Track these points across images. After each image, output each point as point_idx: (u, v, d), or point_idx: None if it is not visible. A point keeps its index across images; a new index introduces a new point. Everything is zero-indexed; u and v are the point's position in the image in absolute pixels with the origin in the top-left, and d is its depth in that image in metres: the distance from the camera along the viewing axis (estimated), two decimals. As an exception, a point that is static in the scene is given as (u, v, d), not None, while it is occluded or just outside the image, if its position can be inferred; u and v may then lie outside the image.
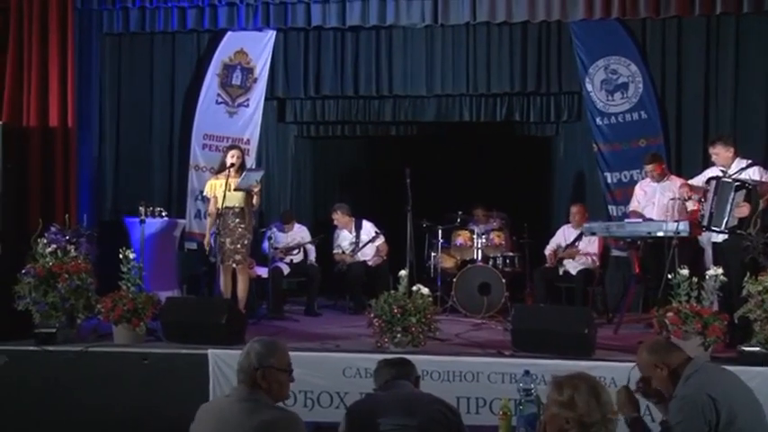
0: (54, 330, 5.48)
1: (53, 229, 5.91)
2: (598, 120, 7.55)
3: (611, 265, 7.41)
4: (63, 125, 6.78)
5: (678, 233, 5.63)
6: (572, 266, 7.25)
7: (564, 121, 8.97)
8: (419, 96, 8.64)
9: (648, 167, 6.48)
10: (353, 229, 8.01)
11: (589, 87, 7.55)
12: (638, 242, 6.26)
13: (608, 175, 7.55)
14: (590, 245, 7.25)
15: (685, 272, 5.00)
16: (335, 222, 8.02)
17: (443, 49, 7.96)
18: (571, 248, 7.28)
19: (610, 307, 7.02)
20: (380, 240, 7.93)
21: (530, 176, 9.77)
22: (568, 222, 7.54)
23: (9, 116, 6.64)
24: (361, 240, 7.94)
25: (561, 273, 7.31)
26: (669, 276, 5.10)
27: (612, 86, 7.46)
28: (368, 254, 7.92)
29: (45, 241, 5.76)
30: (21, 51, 6.76)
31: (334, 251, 8.08)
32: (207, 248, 6.58)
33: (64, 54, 6.78)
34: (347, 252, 7.97)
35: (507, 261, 7.75)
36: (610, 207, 7.52)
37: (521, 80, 7.88)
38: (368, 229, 7.98)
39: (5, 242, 6.02)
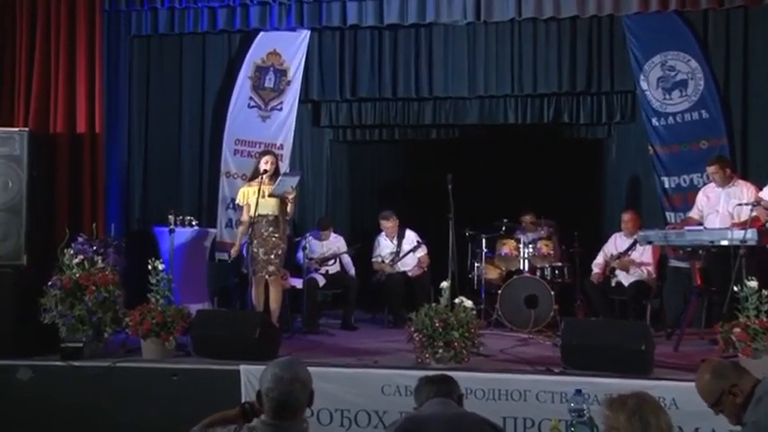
0: (81, 345, 5.54)
1: (80, 239, 5.99)
2: (654, 120, 7.39)
3: (670, 276, 7.24)
4: (91, 131, 6.89)
5: (745, 242, 5.44)
6: (625, 278, 7.11)
7: (616, 122, 8.82)
8: (461, 98, 8.57)
9: (711, 169, 6.29)
10: (396, 237, 7.99)
11: (644, 86, 7.39)
12: (700, 252, 6.09)
13: (665, 179, 7.37)
14: (644, 254, 7.09)
15: (754, 284, 4.84)
16: (385, 229, 8.00)
17: (486, 48, 7.89)
18: (624, 258, 7.13)
19: (669, 321, 6.86)
20: (422, 251, 7.88)
21: (579, 182, 9.63)
22: (620, 230, 7.40)
23: (36, 123, 6.78)
24: (402, 249, 7.91)
25: (614, 284, 7.18)
26: (735, 289, 4.96)
27: (670, 84, 7.29)
28: (408, 264, 7.88)
29: (72, 252, 5.83)
30: (48, 55, 6.90)
31: (374, 259, 8.07)
32: (231, 257, 6.62)
33: (92, 57, 6.91)
34: (387, 261, 7.94)
35: (556, 272, 7.65)
36: (667, 214, 7.35)
37: (569, 79, 7.76)
38: (410, 238, 7.96)
39: (31, 253, 6.12)
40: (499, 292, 7.36)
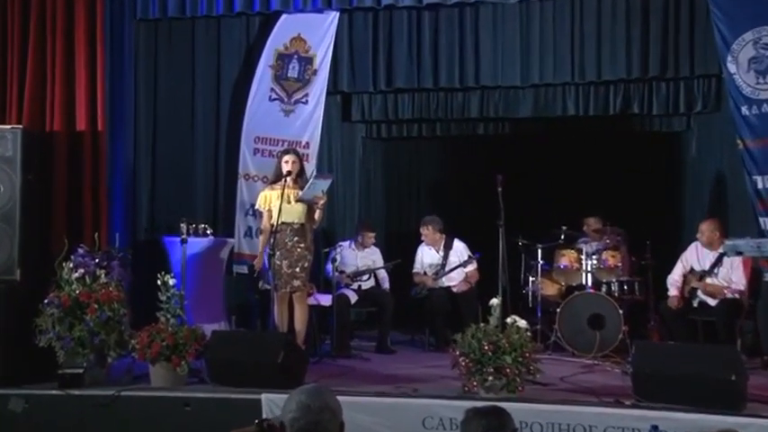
0: (81, 371, 5.57)
1: (80, 250, 6.03)
2: (744, 109, 7.16)
3: (764, 293, 7.05)
4: (92, 129, 6.94)
5: None
6: (709, 296, 6.95)
7: (697, 111, 8.66)
8: (512, 87, 8.49)
9: None
10: (442, 248, 7.95)
11: (732, 68, 7.18)
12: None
13: (758, 179, 7.15)
14: (733, 270, 6.89)
15: None
16: (424, 238, 7.97)
17: (542, 29, 7.79)
18: (709, 279, 6.93)
19: (764, 347, 6.69)
20: (472, 266, 7.82)
21: (653, 182, 9.48)
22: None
23: (30, 120, 6.83)
24: (449, 263, 7.86)
25: (696, 304, 7.02)
26: None
27: (765, 66, 7.10)
28: (454, 279, 7.83)
29: (71, 265, 5.87)
30: (43, 42, 6.96)
31: (415, 270, 8.02)
32: (256, 270, 6.61)
33: (92, 45, 6.95)
34: (430, 274, 7.89)
35: (624, 287, 7.56)
36: (761, 219, 7.13)
37: (641, 63, 7.60)
38: (460, 250, 7.91)
39: (26, 266, 6.15)
40: (558, 310, 7.29)
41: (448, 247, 7.95)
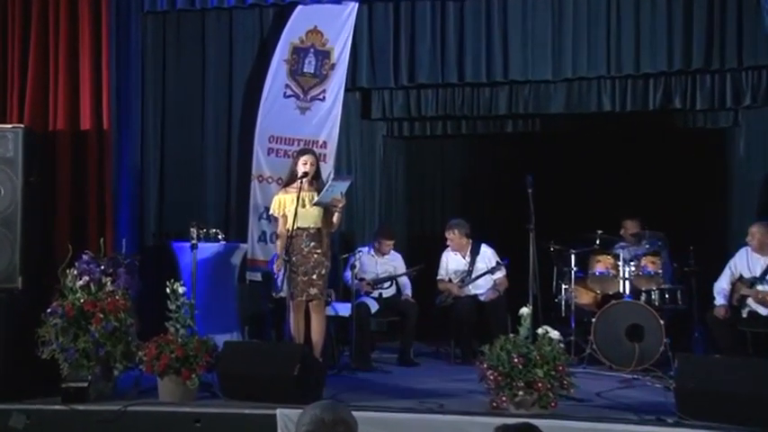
0: (86, 384, 5.59)
1: (85, 257, 6.04)
2: (797, 103, 7.13)
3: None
4: (97, 128, 6.99)
5: None
6: (761, 304, 6.88)
7: (745, 106, 8.59)
8: (543, 82, 8.44)
9: None
10: (468, 253, 7.91)
11: (784, 59, 7.13)
12: None
13: (814, 179, 7.12)
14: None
15: None
16: (449, 243, 7.94)
17: (575, 19, 7.75)
18: (760, 286, 6.85)
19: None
20: (501, 273, 7.79)
21: (696, 182, 9.38)
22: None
23: (31, 118, 6.88)
24: (476, 269, 7.84)
25: (745, 314, 6.96)
26: None
27: (819, 57, 7.02)
28: (481, 286, 7.80)
29: (75, 272, 5.88)
30: (45, 38, 7.01)
31: (439, 277, 8.00)
32: (276, 272, 6.60)
33: (97, 39, 6.99)
34: (455, 281, 7.86)
35: (666, 296, 7.51)
36: (817, 223, 7.09)
37: (683, 54, 7.53)
38: (488, 256, 7.88)
39: (27, 274, 6.18)
40: (593, 320, 7.25)
41: (475, 253, 7.91)
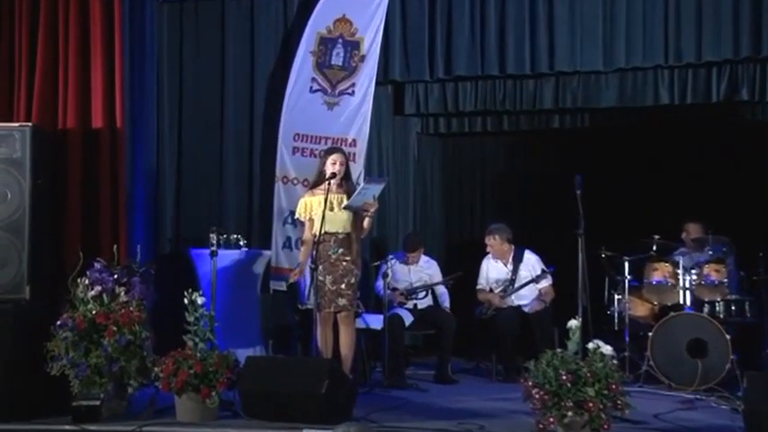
0: (98, 403, 5.60)
1: (97, 265, 6.06)
2: None
3: None
4: (110, 126, 7.06)
5: None
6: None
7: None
8: (593, 72, 8.41)
9: None
10: (510, 261, 7.88)
11: None
12: None
13: None
14: None
15: None
16: (489, 249, 7.92)
17: (629, 3, 7.71)
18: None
19: None
20: (547, 281, 7.77)
21: (766, 182, 9.23)
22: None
23: (40, 116, 6.97)
24: (519, 278, 7.81)
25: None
26: None
27: None
28: (525, 297, 7.77)
29: (87, 282, 5.91)
30: (54, 30, 7.10)
31: (479, 286, 7.98)
32: (291, 281, 6.61)
33: (109, 31, 7.06)
34: (497, 291, 7.83)
35: (732, 308, 7.46)
36: None
37: (751, 40, 7.41)
38: (532, 263, 7.85)
39: (36, 283, 6.25)
40: (650, 334, 7.18)
41: (517, 260, 7.87)
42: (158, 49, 7.61)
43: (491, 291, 7.93)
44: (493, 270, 7.98)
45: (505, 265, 7.92)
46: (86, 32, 7.05)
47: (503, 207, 10.06)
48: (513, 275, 7.86)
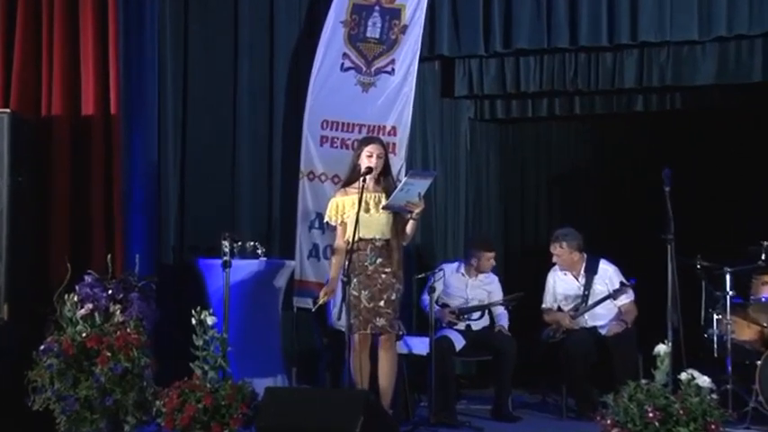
0: (89, 443, 5.65)
1: (88, 278, 6.13)
2: None
3: None
4: (103, 114, 7.12)
5: None
6: None
7: None
8: (687, 43, 8.35)
9: None
10: (583, 273, 7.82)
11: None
12: None
13: None
14: None
15: None
16: (556, 259, 7.86)
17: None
18: None
19: None
20: (627, 297, 7.69)
21: None
22: None
23: (21, 101, 7.02)
24: (593, 293, 7.75)
25: None
26: None
27: None
28: (601, 316, 7.71)
29: (76, 299, 5.96)
30: (38, 4, 7.13)
31: (545, 305, 7.95)
32: (319, 302, 6.61)
33: (102, 2, 7.09)
34: (567, 310, 7.78)
35: None
36: None
37: None
38: (609, 275, 7.77)
39: (16, 301, 6.31)
40: (758, 363, 7.07)
41: (591, 272, 7.78)
42: (159, 19, 7.64)
43: (559, 309, 7.86)
44: (561, 284, 7.91)
45: (576, 279, 7.85)
46: (74, 3, 7.11)
47: (573, 207, 10.04)
48: (586, 290, 7.78)
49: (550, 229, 8.28)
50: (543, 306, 7.97)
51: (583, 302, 7.76)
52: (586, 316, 7.72)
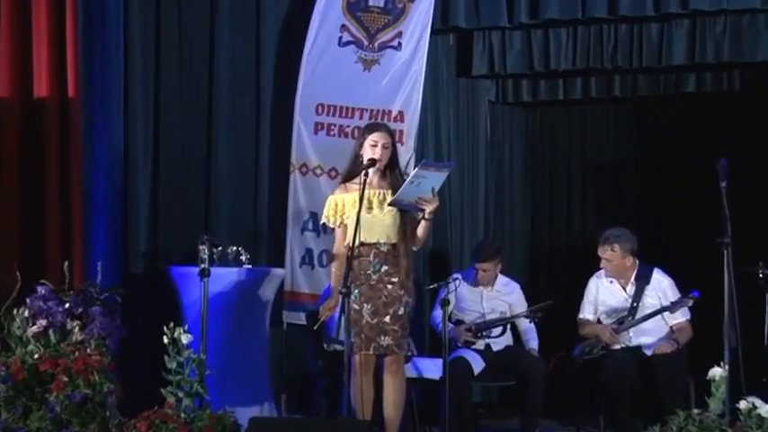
0: (42, 484, 5.63)
1: (41, 290, 6.11)
2: None
3: None
4: (59, 95, 7.12)
5: None
6: None
7: None
8: (746, 12, 8.35)
9: None
10: (633, 281, 7.77)
11: None
12: None
13: None
14: None
15: None
16: (605, 265, 7.81)
17: None
18: None
19: None
20: (684, 315, 7.64)
21: None
22: None
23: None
24: (643, 306, 7.71)
25: None
26: None
27: None
28: (648, 332, 7.67)
29: (26, 314, 5.94)
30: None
31: (582, 315, 7.92)
32: (321, 318, 6.59)
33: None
34: (610, 323, 7.74)
35: None
36: None
37: None
38: (663, 287, 7.72)
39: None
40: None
41: (642, 281, 7.71)
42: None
43: (599, 322, 7.81)
44: (605, 293, 7.84)
45: (623, 288, 7.77)
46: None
47: (610, 205, 10.05)
48: (635, 302, 7.69)
49: (585, 230, 8.27)
50: (580, 317, 7.90)
51: (629, 315, 7.70)
52: (631, 332, 7.66)
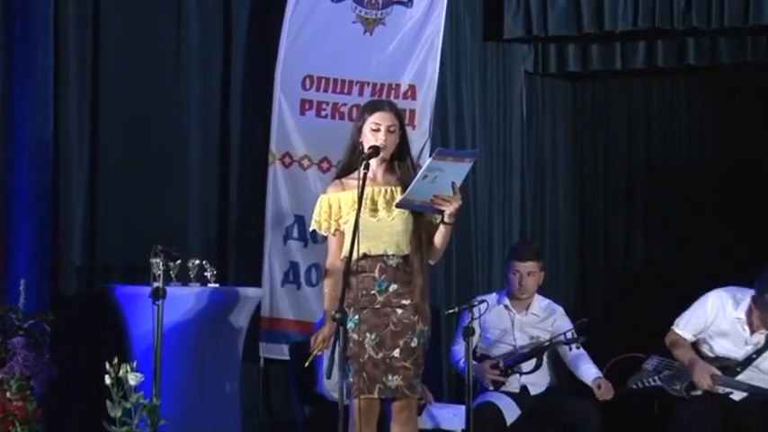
0: None
1: (-53, 317, 6.11)
2: None
3: None
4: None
5: None
6: None
7: None
8: None
9: None
10: (765, 330, 7.70)
11: None
12: None
13: None
14: None
15: None
16: (755, 313, 7.72)
17: None
18: None
19: None
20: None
21: None
22: None
23: None
24: (764, 361, 7.64)
25: None
26: None
27: None
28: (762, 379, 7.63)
29: (-70, 347, 5.95)
30: None
31: (678, 330, 7.76)
32: (312, 353, 6.57)
33: None
34: (714, 365, 7.69)
35: None
36: None
37: None
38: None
39: None
40: None
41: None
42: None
43: (694, 346, 7.67)
44: (724, 323, 7.59)
45: (752, 330, 7.53)
46: None
47: (682, 206, 10.13)
48: (756, 355, 7.53)
49: (646, 237, 8.21)
50: (677, 331, 7.76)
51: (738, 367, 7.65)
52: (743, 373, 7.59)
